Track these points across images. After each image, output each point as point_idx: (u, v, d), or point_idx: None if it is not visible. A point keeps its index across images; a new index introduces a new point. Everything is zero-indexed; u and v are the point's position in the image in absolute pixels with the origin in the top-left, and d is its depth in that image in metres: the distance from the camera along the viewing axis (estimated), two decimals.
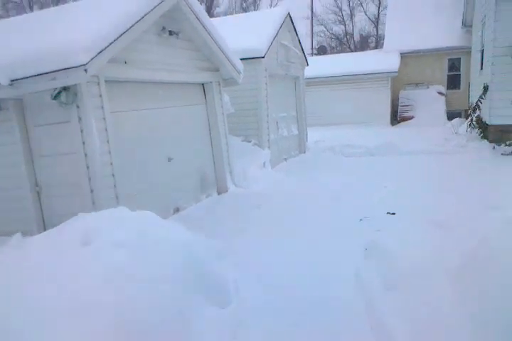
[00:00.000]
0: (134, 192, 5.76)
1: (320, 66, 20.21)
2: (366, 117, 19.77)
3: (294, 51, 11.53)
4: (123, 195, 5.34)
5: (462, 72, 21.08)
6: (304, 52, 12.51)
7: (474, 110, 12.41)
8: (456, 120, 17.29)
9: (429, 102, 20.60)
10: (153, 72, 6.10)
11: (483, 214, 5.22)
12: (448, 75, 21.36)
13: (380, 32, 44.20)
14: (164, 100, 6.72)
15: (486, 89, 11.44)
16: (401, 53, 20.91)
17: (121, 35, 4.95)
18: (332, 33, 44.50)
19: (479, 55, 13.69)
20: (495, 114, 10.95)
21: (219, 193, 8.14)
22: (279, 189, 8.38)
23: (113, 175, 5.13)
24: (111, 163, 5.09)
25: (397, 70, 19.66)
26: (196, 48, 7.52)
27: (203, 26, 7.06)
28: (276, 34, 10.13)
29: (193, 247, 3.44)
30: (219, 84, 8.23)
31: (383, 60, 20.45)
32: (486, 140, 11.38)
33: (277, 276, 4.36)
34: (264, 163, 9.57)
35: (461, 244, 3.78)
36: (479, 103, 12.09)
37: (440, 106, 20.47)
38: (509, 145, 10.92)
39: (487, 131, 11.42)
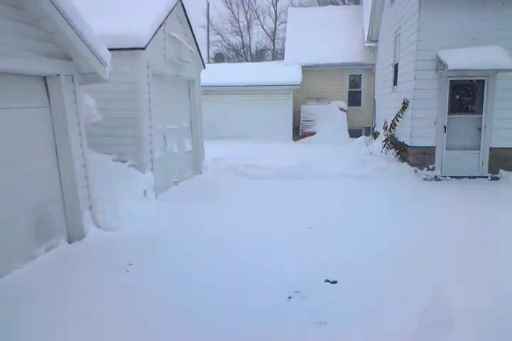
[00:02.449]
0: None
1: (218, 74, 18.24)
2: (267, 131, 18.16)
3: (188, 48, 9.17)
4: None
5: (363, 88, 20.55)
6: (199, 52, 10.22)
7: (390, 129, 11.12)
8: (362, 138, 16.26)
9: (331, 118, 19.61)
10: None
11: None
12: (349, 91, 20.71)
13: (276, 46, 43.97)
14: None
15: (405, 106, 10.14)
16: (302, 66, 19.75)
17: None
18: (229, 44, 43.04)
19: (390, 70, 12.60)
20: (417, 134, 9.64)
21: (70, 241, 5.40)
22: (164, 231, 5.87)
23: None
24: None
25: (299, 83, 18.36)
26: (32, 20, 4.83)
27: None
28: (164, 21, 7.70)
29: None
30: (73, 80, 5.56)
31: (285, 72, 19.14)
32: (406, 162, 10.04)
33: None
34: (144, 192, 7.00)
35: None
36: (396, 121, 10.80)
37: (342, 123, 19.61)
38: (432, 169, 9.67)
39: (406, 153, 10.10)
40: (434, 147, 9.62)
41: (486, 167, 9.55)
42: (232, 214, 6.71)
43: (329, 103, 20.07)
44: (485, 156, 9.53)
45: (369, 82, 19.98)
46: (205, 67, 10.68)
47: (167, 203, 7.21)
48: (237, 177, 9.75)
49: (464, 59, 8.57)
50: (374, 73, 19.33)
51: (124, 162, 7.03)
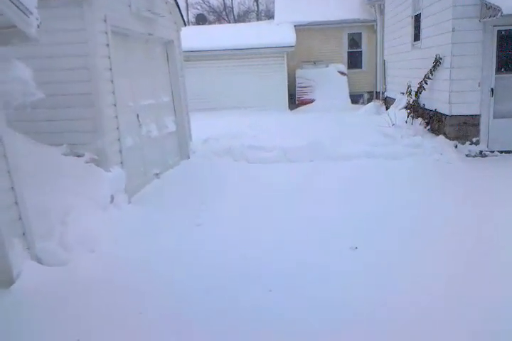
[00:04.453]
0: None
1: (201, 37, 15.98)
2: (260, 101, 16.08)
3: None
4: None
5: (364, 48, 18.38)
6: (177, 4, 8.02)
7: (416, 94, 9.13)
8: (371, 105, 14.29)
9: (330, 83, 17.48)
10: None
11: None
12: (348, 52, 18.53)
13: (260, 7, 41.06)
14: None
15: (437, 64, 8.14)
16: (295, 26, 17.47)
17: None
18: (209, 6, 39.77)
19: (408, 22, 10.45)
20: (456, 100, 7.69)
21: None
22: (138, 265, 3.96)
23: None
24: None
25: (293, 44, 16.18)
26: None
27: None
28: None
29: None
30: None
31: (277, 33, 16.90)
32: (442, 135, 8.15)
33: None
34: (111, 197, 5.05)
35: None
36: (424, 84, 8.82)
37: (343, 88, 17.54)
38: (475, 143, 7.81)
39: (442, 124, 8.19)
40: (479, 115, 7.71)
41: None
42: (237, 227, 4.77)
43: (327, 66, 17.92)
44: None
45: (370, 41, 17.87)
46: (185, 25, 8.50)
47: (145, 210, 5.25)
48: (235, 162, 7.81)
49: None
50: (376, 30, 17.21)
51: (79, 156, 5.02)
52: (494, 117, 7.69)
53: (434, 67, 8.26)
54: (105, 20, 5.31)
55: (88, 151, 5.06)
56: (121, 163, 5.46)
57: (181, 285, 3.51)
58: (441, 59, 8.01)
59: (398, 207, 5.16)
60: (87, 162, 4.96)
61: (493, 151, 7.73)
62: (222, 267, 3.79)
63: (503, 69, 7.53)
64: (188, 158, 8.24)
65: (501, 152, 7.71)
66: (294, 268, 3.72)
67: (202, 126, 9.65)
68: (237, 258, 3.93)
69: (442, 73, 8.00)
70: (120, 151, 5.47)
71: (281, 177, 6.74)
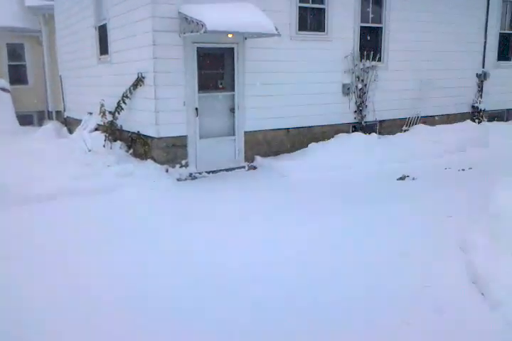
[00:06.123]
0: None
1: None
2: None
3: None
4: None
5: (29, 61, 15.97)
6: None
7: (114, 115, 8.00)
8: (49, 127, 12.22)
9: None
10: None
11: None
12: (9, 65, 15.75)
13: None
14: None
15: (139, 82, 7.28)
16: None
17: None
18: None
19: (91, 34, 9.25)
20: (164, 121, 7.04)
21: None
22: None
23: None
24: None
25: None
26: None
27: None
28: None
29: None
30: None
31: None
32: (150, 159, 7.32)
33: None
34: None
35: None
36: (122, 104, 7.81)
37: (7, 107, 14.77)
38: (185, 165, 7.38)
39: (148, 147, 7.37)
40: (186, 136, 7.30)
41: (242, 155, 7.97)
42: None
43: None
44: (240, 143, 7.90)
45: (36, 54, 15.67)
46: None
47: None
48: None
49: (220, 18, 6.41)
50: (42, 42, 15.18)
51: None
52: (200, 138, 7.44)
53: (134, 85, 7.37)
54: None
55: None
56: None
57: None
58: (144, 77, 7.18)
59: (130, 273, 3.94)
60: None
61: (201, 172, 7.46)
62: None
63: (205, 88, 7.34)
64: None
65: (209, 172, 7.52)
66: None
67: None
68: None
69: (145, 91, 7.20)
70: None
71: None
